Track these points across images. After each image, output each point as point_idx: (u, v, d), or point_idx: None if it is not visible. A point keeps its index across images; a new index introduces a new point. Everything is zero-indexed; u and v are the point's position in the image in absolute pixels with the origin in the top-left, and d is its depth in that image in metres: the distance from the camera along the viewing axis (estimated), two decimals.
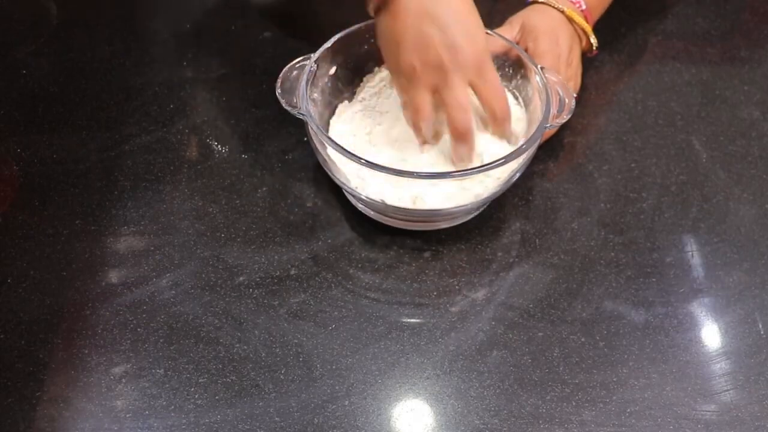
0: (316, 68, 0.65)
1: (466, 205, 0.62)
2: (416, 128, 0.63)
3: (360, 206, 0.67)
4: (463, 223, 0.67)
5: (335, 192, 0.69)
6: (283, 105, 0.63)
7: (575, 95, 0.73)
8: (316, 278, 0.64)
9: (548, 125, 0.62)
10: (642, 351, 0.60)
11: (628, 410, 0.57)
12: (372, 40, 0.66)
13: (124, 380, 0.57)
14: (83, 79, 0.79)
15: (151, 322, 0.61)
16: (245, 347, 0.59)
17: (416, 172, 0.61)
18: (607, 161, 0.73)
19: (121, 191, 0.69)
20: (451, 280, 0.64)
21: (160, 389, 0.57)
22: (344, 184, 0.63)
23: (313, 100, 0.66)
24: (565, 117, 0.64)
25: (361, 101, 0.70)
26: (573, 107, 0.64)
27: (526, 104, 0.69)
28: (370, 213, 0.66)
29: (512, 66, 0.69)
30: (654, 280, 0.65)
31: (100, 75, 0.79)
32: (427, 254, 0.66)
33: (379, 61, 0.70)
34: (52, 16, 0.86)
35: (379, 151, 0.66)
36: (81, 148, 0.72)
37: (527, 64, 0.67)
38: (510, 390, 0.58)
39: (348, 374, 0.58)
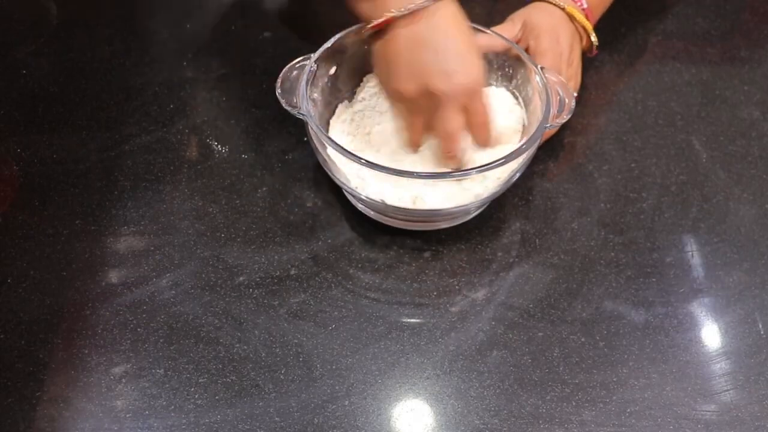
0: (316, 68, 0.65)
1: (466, 205, 0.62)
2: (413, 146, 0.65)
3: (360, 206, 0.67)
4: (463, 223, 0.67)
5: (335, 192, 0.69)
6: (283, 105, 0.63)
7: (575, 94, 0.73)
8: (316, 278, 0.64)
9: (548, 125, 0.62)
10: (642, 351, 0.60)
11: (628, 410, 0.57)
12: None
13: (124, 380, 0.57)
14: (83, 79, 0.79)
15: (151, 322, 0.61)
16: (245, 347, 0.59)
17: (416, 172, 0.61)
18: (607, 161, 0.73)
19: (121, 191, 0.69)
20: (451, 280, 0.64)
21: (160, 389, 0.57)
22: (344, 184, 0.63)
23: (313, 100, 0.66)
24: (565, 117, 0.64)
25: (361, 101, 0.70)
26: (573, 107, 0.64)
27: (526, 104, 0.69)
28: (370, 213, 0.66)
29: (512, 66, 0.69)
30: (654, 280, 0.65)
31: (100, 75, 0.79)
32: (427, 254, 0.66)
33: None
34: (52, 16, 0.86)
35: (378, 151, 0.66)
36: (81, 148, 0.72)
37: (527, 64, 0.67)
38: (510, 390, 0.58)
39: (348, 374, 0.58)
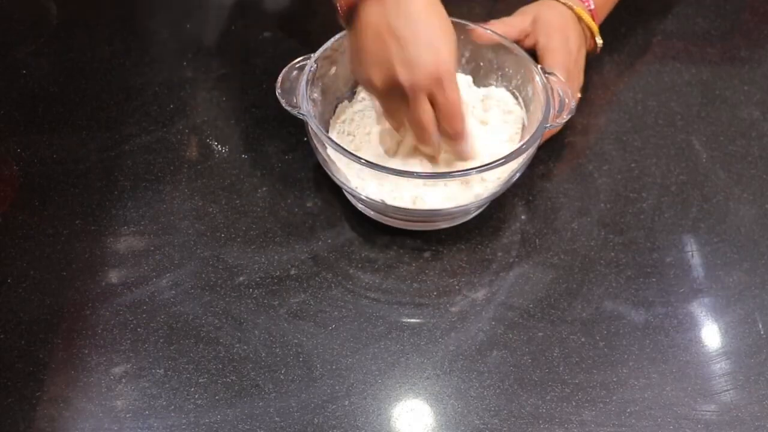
0: (316, 68, 0.65)
1: (466, 205, 0.62)
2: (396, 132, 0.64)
3: (360, 206, 0.67)
4: (463, 223, 0.67)
5: (335, 192, 0.69)
6: (283, 105, 0.63)
7: (579, 95, 0.73)
8: (316, 278, 0.64)
9: (548, 125, 0.62)
10: (642, 351, 0.60)
11: (628, 410, 0.57)
12: None
13: (124, 380, 0.57)
14: (83, 79, 0.79)
15: (151, 322, 0.60)
16: (245, 347, 0.59)
17: (416, 172, 0.61)
18: (607, 161, 0.73)
19: (121, 191, 0.69)
20: (451, 280, 0.64)
21: (160, 389, 0.57)
22: (344, 184, 0.63)
23: (313, 100, 0.66)
24: (565, 117, 0.64)
25: (361, 101, 0.70)
26: (574, 107, 0.64)
27: (526, 104, 0.69)
28: (370, 213, 0.66)
29: (513, 66, 0.69)
30: (654, 280, 0.65)
31: (100, 75, 0.79)
32: (427, 254, 0.66)
33: None
34: (52, 16, 0.86)
35: (378, 151, 0.66)
36: (81, 148, 0.72)
37: (528, 64, 0.67)
38: (510, 390, 0.58)
39: (348, 374, 0.58)
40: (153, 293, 0.62)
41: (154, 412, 0.56)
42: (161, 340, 0.60)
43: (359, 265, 0.65)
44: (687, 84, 0.81)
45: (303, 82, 0.63)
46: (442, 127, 0.60)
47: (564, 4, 0.72)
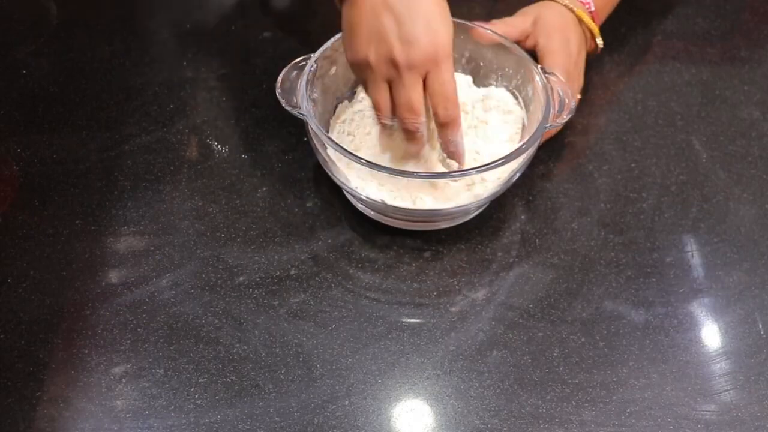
0: (316, 68, 0.65)
1: (466, 205, 0.62)
2: (380, 122, 0.61)
3: (360, 206, 0.67)
4: (463, 223, 0.67)
5: (335, 192, 0.69)
6: (283, 105, 0.63)
7: (579, 96, 0.73)
8: (316, 278, 0.64)
9: (548, 125, 0.62)
10: (642, 351, 0.60)
11: (628, 410, 0.57)
12: None
13: (124, 380, 0.57)
14: (83, 79, 0.79)
15: (151, 322, 0.60)
16: (245, 347, 0.59)
17: (416, 172, 0.61)
18: (607, 161, 0.73)
19: (121, 191, 0.69)
20: (451, 280, 0.64)
21: (160, 389, 0.57)
22: (344, 184, 0.63)
23: (313, 100, 0.66)
24: (565, 117, 0.64)
25: (361, 101, 0.70)
26: (574, 107, 0.64)
27: (526, 104, 0.69)
28: (370, 213, 0.66)
29: (513, 66, 0.69)
30: (654, 280, 0.65)
31: (100, 75, 0.79)
32: (427, 254, 0.66)
33: None
34: (52, 16, 0.86)
35: (378, 151, 0.66)
36: (81, 148, 0.72)
37: (528, 64, 0.67)
38: (510, 390, 0.58)
39: (348, 374, 0.58)
40: (153, 293, 0.62)
41: (154, 412, 0.56)
42: (161, 340, 0.60)
43: (359, 265, 0.65)
44: (687, 84, 0.81)
45: (303, 82, 0.63)
46: (435, 111, 0.59)
47: (565, 5, 0.72)
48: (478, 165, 0.61)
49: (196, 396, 0.57)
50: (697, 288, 0.64)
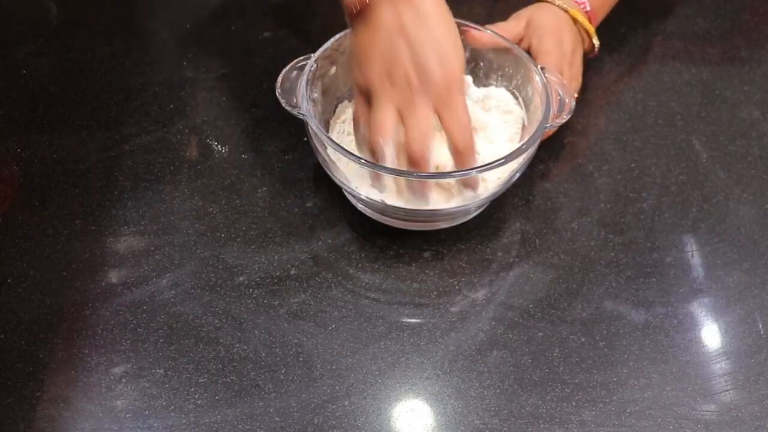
0: (316, 68, 0.65)
1: (466, 205, 0.62)
2: (374, 145, 0.59)
3: (360, 206, 0.67)
4: (463, 223, 0.67)
5: (335, 192, 0.69)
6: (283, 105, 0.63)
7: (576, 96, 0.73)
8: (316, 278, 0.64)
9: (548, 125, 0.62)
10: (642, 351, 0.60)
11: (628, 410, 0.57)
12: None
13: (124, 380, 0.57)
14: (83, 79, 0.79)
15: (151, 322, 0.61)
16: (245, 347, 0.59)
17: (416, 172, 0.61)
18: (607, 161, 0.73)
19: (121, 191, 0.69)
20: (451, 280, 0.64)
21: (160, 389, 0.57)
22: (344, 184, 0.63)
23: (313, 100, 0.66)
24: (565, 117, 0.64)
25: None
26: (573, 107, 0.64)
27: (526, 104, 0.69)
28: (370, 213, 0.66)
29: (512, 66, 0.69)
30: (654, 280, 0.65)
31: (100, 75, 0.79)
32: (427, 254, 0.66)
33: None
34: (52, 16, 0.86)
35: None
36: (81, 148, 0.72)
37: (528, 64, 0.67)
38: (510, 390, 0.58)
39: (348, 374, 0.58)
40: (153, 293, 0.62)
41: (154, 412, 0.56)
42: (161, 340, 0.60)
43: (359, 265, 0.65)
44: (687, 84, 0.81)
45: (303, 82, 0.63)
46: (450, 138, 0.59)
47: (558, 6, 0.72)
48: (479, 165, 0.61)
49: (196, 396, 0.57)
50: (697, 288, 0.64)
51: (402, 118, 0.58)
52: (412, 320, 0.62)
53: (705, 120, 0.77)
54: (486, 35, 0.69)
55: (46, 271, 0.63)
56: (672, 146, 0.75)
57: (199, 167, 0.71)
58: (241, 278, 0.64)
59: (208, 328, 0.60)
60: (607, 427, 0.56)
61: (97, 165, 0.71)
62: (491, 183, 0.63)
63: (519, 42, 0.71)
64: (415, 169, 0.59)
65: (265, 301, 0.62)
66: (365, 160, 0.59)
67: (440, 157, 0.61)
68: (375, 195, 0.62)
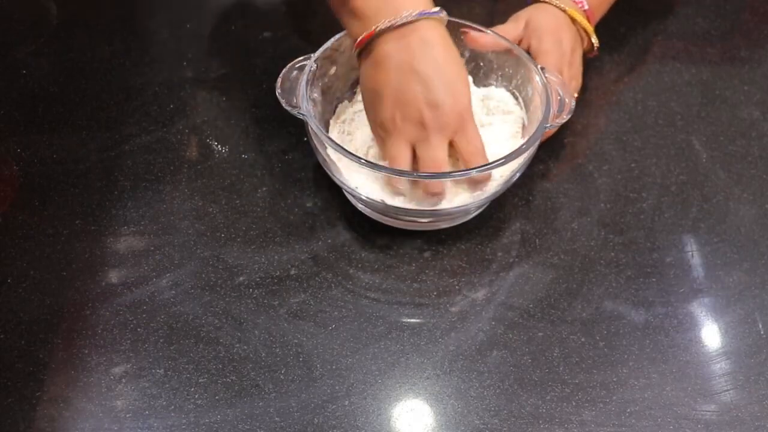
0: (316, 68, 0.65)
1: (466, 205, 0.62)
2: (395, 180, 0.61)
3: (360, 206, 0.67)
4: (463, 223, 0.67)
5: (335, 192, 0.69)
6: (283, 105, 0.63)
7: (576, 95, 0.73)
8: (316, 278, 0.64)
9: (548, 125, 0.62)
10: (642, 351, 0.60)
11: (628, 410, 0.57)
12: None
13: (124, 380, 0.57)
14: (83, 79, 0.79)
15: (151, 322, 0.60)
16: (245, 347, 0.59)
17: (416, 172, 0.61)
18: (607, 161, 0.73)
19: (121, 191, 0.69)
20: (451, 280, 0.64)
21: (160, 389, 0.57)
22: (344, 184, 0.63)
23: (313, 100, 0.66)
24: (565, 117, 0.64)
25: (361, 101, 0.70)
26: (573, 107, 0.64)
27: (526, 104, 0.69)
28: (370, 213, 0.66)
29: (512, 66, 0.69)
30: (654, 280, 0.65)
31: (100, 75, 0.79)
32: (427, 254, 0.66)
33: None
34: (52, 16, 0.86)
35: (379, 151, 0.66)
36: (81, 148, 0.72)
37: (528, 64, 0.67)
38: (510, 390, 0.58)
39: (348, 374, 0.58)
40: (153, 293, 0.62)
41: (154, 412, 0.56)
42: (161, 340, 0.60)
43: (359, 265, 0.65)
44: (687, 84, 0.81)
45: (303, 82, 0.63)
46: (467, 164, 0.61)
47: (556, 6, 0.72)
48: (479, 165, 0.61)
49: (196, 396, 0.57)
50: (697, 288, 0.64)
51: (416, 151, 0.60)
52: (412, 320, 0.62)
53: (705, 120, 0.77)
54: (486, 37, 0.69)
55: (46, 271, 0.63)
56: (672, 146, 0.75)
57: (199, 167, 0.71)
58: (241, 278, 0.64)
59: (208, 328, 0.60)
60: (607, 427, 0.56)
61: (97, 165, 0.71)
62: (491, 183, 0.63)
63: (518, 43, 0.72)
64: (431, 197, 0.61)
65: (265, 301, 0.62)
66: (365, 160, 0.59)
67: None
68: (375, 195, 0.62)
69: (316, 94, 0.67)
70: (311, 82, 0.64)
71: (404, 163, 0.60)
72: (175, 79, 0.79)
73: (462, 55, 0.72)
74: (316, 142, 0.63)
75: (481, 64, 0.72)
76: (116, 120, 0.75)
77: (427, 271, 0.65)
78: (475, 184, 0.62)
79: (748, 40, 0.86)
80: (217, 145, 0.73)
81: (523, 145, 0.61)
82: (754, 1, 0.92)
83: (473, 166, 0.60)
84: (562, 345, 0.60)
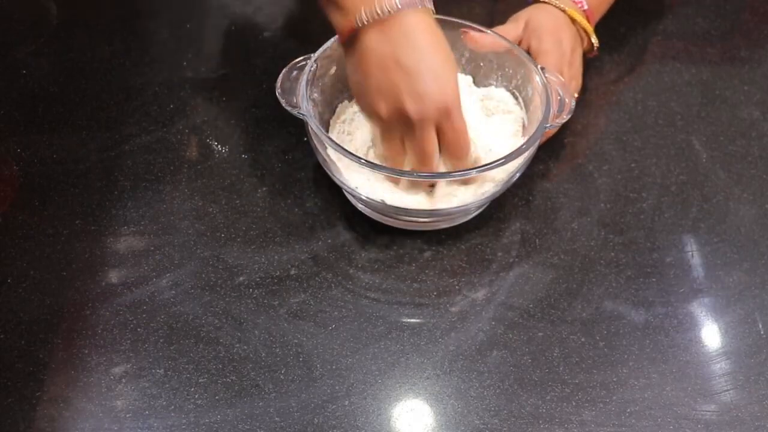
0: (316, 68, 0.65)
1: (466, 205, 0.62)
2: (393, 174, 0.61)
3: (360, 206, 0.67)
4: (463, 223, 0.67)
5: (335, 192, 0.69)
6: (283, 105, 0.63)
7: (576, 96, 0.73)
8: (316, 278, 0.64)
9: (548, 125, 0.62)
10: (642, 351, 0.60)
11: (628, 410, 0.57)
12: None
13: (124, 380, 0.57)
14: (83, 79, 0.79)
15: (151, 322, 0.60)
16: (245, 347, 0.59)
17: (416, 172, 0.61)
18: (607, 161, 0.73)
19: (121, 191, 0.69)
20: (451, 280, 0.64)
21: (160, 389, 0.57)
22: (344, 184, 0.63)
23: (313, 100, 0.66)
24: (565, 117, 0.64)
25: None
26: (573, 107, 0.64)
27: (526, 104, 0.69)
28: (370, 213, 0.66)
29: (512, 66, 0.69)
30: (654, 280, 0.65)
31: (100, 75, 0.79)
32: (427, 254, 0.66)
33: None
34: (52, 16, 0.86)
35: (379, 151, 0.66)
36: (81, 148, 0.72)
37: (528, 64, 0.67)
38: (510, 390, 0.58)
39: (348, 374, 0.58)
40: (153, 293, 0.62)
41: (154, 412, 0.56)
42: (161, 340, 0.60)
43: (359, 265, 0.65)
44: (687, 84, 0.81)
45: (303, 82, 0.63)
46: (448, 154, 0.60)
47: (556, 6, 0.72)
48: (479, 165, 0.61)
49: (196, 396, 0.57)
50: (697, 288, 0.64)
51: (406, 142, 0.59)
52: (412, 320, 0.62)
53: (705, 120, 0.77)
54: (486, 37, 0.69)
55: (46, 271, 0.63)
56: (672, 146, 0.75)
57: (199, 167, 0.71)
58: (241, 278, 0.64)
59: (208, 328, 0.60)
60: (607, 427, 0.56)
61: (97, 165, 0.71)
62: (491, 183, 0.63)
63: (518, 43, 0.72)
64: (428, 188, 0.61)
65: (265, 301, 0.62)
66: (365, 160, 0.59)
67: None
68: (375, 195, 0.62)
69: (316, 94, 0.67)
70: (311, 82, 0.64)
71: (398, 161, 0.60)
72: (175, 79, 0.79)
73: (462, 55, 0.72)
74: (316, 142, 0.63)
75: (481, 64, 0.72)
76: (116, 120, 0.75)
77: (427, 271, 0.65)
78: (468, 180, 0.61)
79: (748, 40, 0.86)
80: (217, 145, 0.73)
81: (523, 145, 0.61)
82: (754, 1, 0.92)
83: (454, 156, 0.59)
84: (562, 345, 0.60)
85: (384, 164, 0.62)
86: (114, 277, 0.63)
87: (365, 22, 0.56)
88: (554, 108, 0.63)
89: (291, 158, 0.72)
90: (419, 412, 0.57)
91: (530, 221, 0.68)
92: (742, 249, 0.67)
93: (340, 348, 0.60)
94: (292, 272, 0.64)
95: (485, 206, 0.68)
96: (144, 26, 0.86)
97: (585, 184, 0.71)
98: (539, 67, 0.66)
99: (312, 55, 0.65)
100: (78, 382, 0.57)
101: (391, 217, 0.65)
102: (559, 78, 0.66)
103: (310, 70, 0.64)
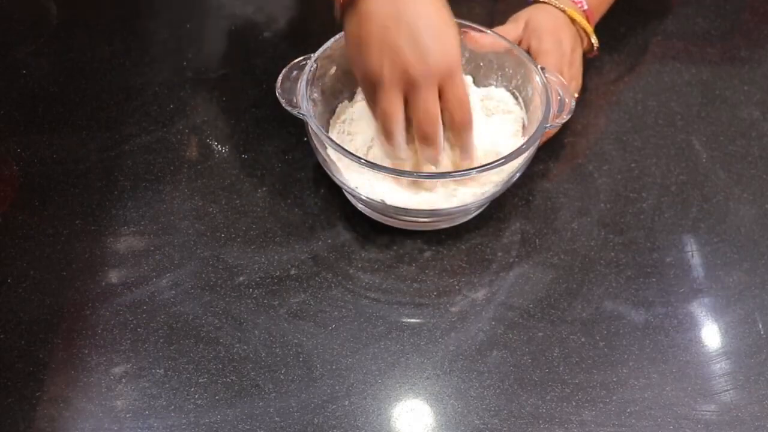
0: (316, 68, 0.65)
1: (466, 205, 0.62)
2: (388, 135, 0.59)
3: (360, 206, 0.67)
4: (463, 223, 0.67)
5: (335, 192, 0.69)
6: (283, 105, 0.63)
7: (576, 96, 0.73)
8: (316, 278, 0.64)
9: (548, 125, 0.62)
10: (642, 351, 0.60)
11: (628, 410, 0.57)
12: None
13: (124, 380, 0.57)
14: (83, 79, 0.79)
15: (151, 322, 0.60)
16: (245, 347, 0.59)
17: (416, 172, 0.61)
18: (607, 161, 0.73)
19: (121, 191, 0.69)
20: (451, 280, 0.64)
21: (160, 389, 0.57)
22: (344, 184, 0.63)
23: (313, 100, 0.66)
24: (565, 117, 0.64)
25: (361, 101, 0.70)
26: (573, 107, 0.64)
27: (526, 104, 0.69)
28: (370, 213, 0.66)
29: (512, 66, 0.69)
30: (654, 280, 0.65)
31: (100, 75, 0.79)
32: (427, 254, 0.66)
33: None
34: (52, 16, 0.86)
35: (379, 151, 0.66)
36: (81, 148, 0.72)
37: (528, 64, 0.67)
38: (510, 390, 0.58)
39: (348, 374, 0.58)
40: (153, 293, 0.62)
41: (154, 412, 0.56)
42: (161, 340, 0.60)
43: (359, 265, 0.65)
44: (687, 84, 0.81)
45: (303, 82, 0.63)
46: (452, 117, 0.59)
47: (556, 6, 0.72)
48: (479, 165, 0.61)
49: (196, 396, 0.57)
50: (697, 288, 0.64)
51: (408, 102, 0.58)
52: (412, 320, 0.62)
53: (705, 120, 0.77)
54: (486, 37, 0.69)
55: (46, 271, 0.63)
56: (672, 146, 0.75)
57: (199, 167, 0.71)
58: (241, 278, 0.64)
59: (208, 328, 0.60)
60: (607, 427, 0.56)
61: (97, 165, 0.71)
62: (491, 183, 0.63)
63: (518, 43, 0.72)
64: (427, 146, 0.59)
65: (265, 301, 0.62)
66: (365, 160, 0.59)
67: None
68: (375, 195, 0.62)
69: (316, 94, 0.67)
70: (311, 82, 0.64)
71: (397, 117, 0.58)
72: (175, 79, 0.79)
73: (462, 55, 0.71)
74: (316, 142, 0.63)
75: (481, 64, 0.72)
76: (116, 120, 0.75)
77: (427, 271, 0.65)
78: (456, 131, 0.60)
79: (748, 40, 0.86)
80: (217, 145, 0.73)
81: (523, 145, 0.61)
82: (754, 1, 0.92)
83: (453, 115, 0.59)
84: (562, 345, 0.60)
85: (382, 149, 0.62)
86: (114, 277, 0.63)
87: None
88: (554, 108, 0.63)
89: (291, 158, 0.72)
90: (419, 412, 0.57)
91: (530, 221, 0.68)
92: (742, 249, 0.67)
93: (340, 348, 0.60)
94: (292, 272, 0.64)
95: (485, 206, 0.68)
96: (144, 26, 0.86)
97: (585, 184, 0.71)
98: (539, 67, 0.66)
99: (312, 55, 0.65)
100: (78, 382, 0.57)
101: (391, 217, 0.65)
102: (559, 78, 0.66)
103: (310, 70, 0.64)
